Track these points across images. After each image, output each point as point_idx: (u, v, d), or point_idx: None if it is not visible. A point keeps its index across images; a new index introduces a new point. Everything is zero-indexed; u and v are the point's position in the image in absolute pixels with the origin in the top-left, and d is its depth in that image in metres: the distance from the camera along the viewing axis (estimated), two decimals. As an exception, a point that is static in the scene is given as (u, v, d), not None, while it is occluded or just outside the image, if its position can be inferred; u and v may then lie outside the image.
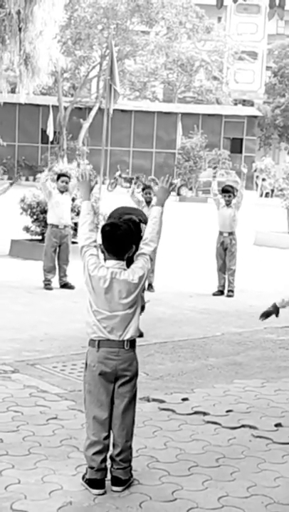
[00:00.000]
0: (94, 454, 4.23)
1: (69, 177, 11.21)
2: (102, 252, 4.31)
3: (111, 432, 4.31)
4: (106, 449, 4.26)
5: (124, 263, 4.29)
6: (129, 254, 4.32)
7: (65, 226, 11.03)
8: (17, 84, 24.19)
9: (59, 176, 11.22)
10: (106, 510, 4.02)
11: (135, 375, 4.30)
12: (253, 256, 15.33)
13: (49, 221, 11.04)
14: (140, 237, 4.44)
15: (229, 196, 11.10)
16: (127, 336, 4.24)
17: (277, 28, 62.42)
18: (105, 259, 4.31)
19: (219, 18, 58.58)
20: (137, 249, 4.34)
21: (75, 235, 10.78)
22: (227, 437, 5.19)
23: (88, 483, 4.24)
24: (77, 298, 10.10)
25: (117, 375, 4.22)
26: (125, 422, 4.29)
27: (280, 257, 15.14)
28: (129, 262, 4.33)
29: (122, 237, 4.24)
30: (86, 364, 4.30)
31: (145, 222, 5.38)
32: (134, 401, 4.35)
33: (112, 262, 4.25)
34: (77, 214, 13.23)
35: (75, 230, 12.63)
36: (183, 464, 4.70)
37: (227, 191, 11.19)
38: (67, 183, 10.98)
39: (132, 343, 4.27)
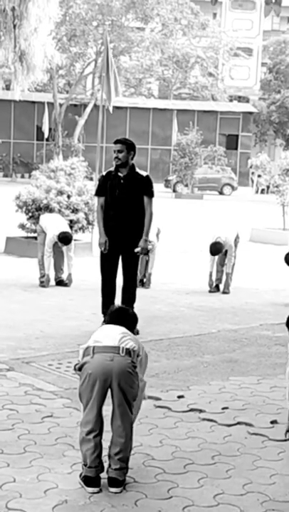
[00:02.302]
0: (86, 450, 4.24)
1: (70, 239, 10.62)
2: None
3: (104, 430, 4.30)
4: (98, 446, 4.26)
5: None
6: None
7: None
8: (12, 81, 24.18)
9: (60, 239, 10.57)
10: (101, 508, 4.01)
11: (131, 379, 4.28)
12: (249, 253, 15.33)
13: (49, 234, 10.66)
14: None
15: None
16: (123, 344, 4.27)
17: (273, 25, 62.46)
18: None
19: (214, 15, 58.59)
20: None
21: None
22: (223, 435, 5.19)
23: (83, 480, 4.24)
24: (73, 295, 10.09)
25: (112, 380, 4.22)
26: (124, 423, 4.28)
27: (276, 254, 15.12)
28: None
29: (126, 322, 4.52)
30: (81, 366, 4.30)
31: None
32: (131, 402, 4.33)
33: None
34: (73, 211, 13.27)
35: (71, 227, 12.65)
36: (178, 461, 4.69)
37: (219, 251, 10.72)
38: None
39: (128, 351, 4.27)
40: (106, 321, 4.61)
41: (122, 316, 4.56)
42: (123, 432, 4.28)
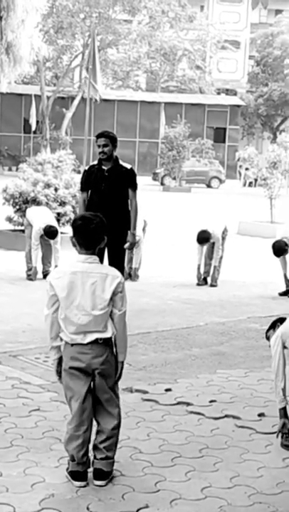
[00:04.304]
0: (74, 448, 4.21)
1: (56, 233, 10.58)
2: (74, 245, 4.27)
3: (93, 424, 4.28)
4: (86, 442, 4.24)
5: (96, 257, 4.25)
6: (101, 246, 4.30)
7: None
8: (-2, 74, 24.02)
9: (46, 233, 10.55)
10: (88, 502, 4.00)
11: (113, 367, 4.26)
12: (237, 245, 15.33)
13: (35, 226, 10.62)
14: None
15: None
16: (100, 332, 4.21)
17: (260, 17, 62.37)
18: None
19: (202, 7, 58.50)
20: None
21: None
22: (210, 428, 5.19)
23: (70, 474, 4.22)
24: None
25: (92, 369, 4.19)
26: (111, 412, 4.26)
27: (264, 247, 15.12)
28: (100, 254, 4.30)
29: (94, 230, 4.20)
30: (61, 359, 4.28)
31: None
32: (116, 391, 4.32)
33: (83, 257, 4.22)
34: (60, 204, 13.23)
35: (58, 220, 12.61)
36: (166, 454, 4.68)
37: (206, 240, 10.73)
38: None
39: (106, 340, 4.23)
40: (78, 243, 4.23)
41: (93, 234, 4.20)
42: (111, 419, 4.26)
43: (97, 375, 4.20)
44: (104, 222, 4.28)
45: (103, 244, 4.30)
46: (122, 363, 4.33)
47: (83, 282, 4.16)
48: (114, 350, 4.29)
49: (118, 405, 4.32)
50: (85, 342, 4.17)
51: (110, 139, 8.00)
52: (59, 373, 4.31)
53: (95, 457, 4.26)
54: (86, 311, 4.15)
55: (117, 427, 4.29)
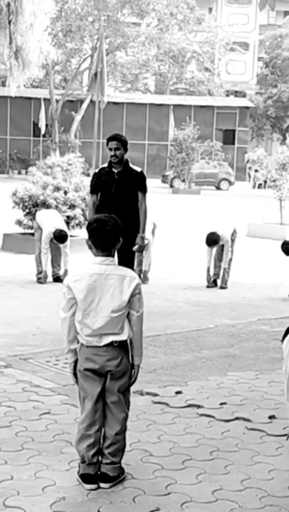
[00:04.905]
0: (85, 447, 4.21)
1: (66, 237, 10.52)
2: (90, 247, 4.27)
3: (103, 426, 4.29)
4: (97, 442, 4.23)
5: (113, 259, 4.27)
6: (116, 248, 4.30)
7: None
8: (7, 78, 24.11)
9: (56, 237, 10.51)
10: (99, 505, 4.00)
11: (126, 370, 4.27)
12: (246, 247, 15.32)
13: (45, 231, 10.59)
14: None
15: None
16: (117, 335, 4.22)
17: (269, 19, 62.36)
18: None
19: (210, 9, 58.49)
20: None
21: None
22: (221, 430, 5.17)
23: (81, 477, 4.23)
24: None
25: (106, 371, 4.19)
26: (116, 416, 4.25)
27: (273, 249, 15.10)
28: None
29: (109, 232, 4.20)
30: (77, 362, 4.28)
31: None
32: (126, 395, 4.32)
33: (100, 259, 4.23)
34: (70, 207, 13.24)
35: (68, 223, 12.63)
36: (177, 457, 4.68)
37: (215, 242, 10.72)
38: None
39: (122, 343, 4.23)
40: (94, 245, 4.24)
41: (108, 236, 4.20)
42: (115, 426, 4.25)
43: (109, 377, 4.21)
44: (119, 224, 4.28)
45: (119, 245, 4.29)
46: (138, 366, 4.33)
47: (101, 284, 4.16)
48: (130, 353, 4.29)
49: (125, 411, 4.30)
50: (101, 344, 4.18)
51: (122, 143, 8.00)
52: (75, 375, 4.31)
53: (101, 461, 4.26)
54: (104, 312, 4.15)
55: (121, 432, 4.27)
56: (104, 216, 4.34)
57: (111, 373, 4.20)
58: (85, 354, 4.21)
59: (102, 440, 4.28)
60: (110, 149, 7.98)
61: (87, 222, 4.34)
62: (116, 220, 4.26)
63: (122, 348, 4.22)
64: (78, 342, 4.26)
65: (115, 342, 4.18)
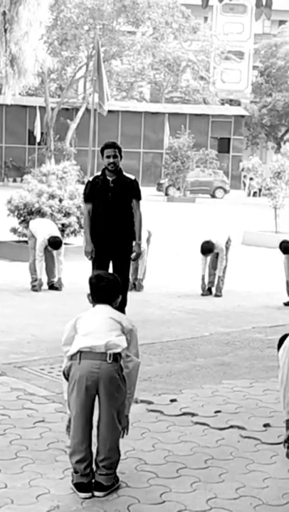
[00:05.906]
0: (76, 462, 4.22)
1: (60, 244, 10.57)
2: (87, 296, 4.52)
3: (95, 439, 4.28)
4: (88, 456, 4.24)
5: (110, 307, 4.46)
6: (116, 304, 4.50)
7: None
8: (3, 86, 24.15)
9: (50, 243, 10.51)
10: (94, 513, 3.99)
11: (118, 390, 4.24)
12: (241, 256, 15.33)
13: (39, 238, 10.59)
14: None
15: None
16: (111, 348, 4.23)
17: (264, 28, 62.63)
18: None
19: (205, 18, 58.67)
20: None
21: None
22: (215, 438, 5.17)
23: (75, 486, 4.22)
24: (66, 300, 10.06)
25: (98, 387, 4.19)
26: (109, 433, 4.24)
27: (268, 257, 15.13)
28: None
29: (108, 288, 4.45)
30: (68, 370, 4.28)
31: None
32: (120, 412, 4.30)
33: (101, 306, 4.44)
34: (65, 215, 13.24)
35: (63, 231, 12.63)
36: (171, 465, 4.67)
37: (210, 250, 10.74)
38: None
39: (116, 356, 4.24)
40: (92, 298, 4.52)
41: (105, 290, 4.49)
42: (108, 443, 4.24)
43: (102, 394, 4.21)
44: (118, 281, 4.53)
45: (117, 302, 4.51)
46: (127, 416, 4.37)
47: (101, 316, 4.38)
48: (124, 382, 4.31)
49: (117, 429, 4.27)
50: (96, 351, 4.20)
51: (118, 150, 8.02)
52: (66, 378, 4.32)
53: (96, 471, 4.25)
54: (101, 333, 4.27)
55: (113, 449, 4.26)
56: (103, 273, 4.73)
57: (103, 392, 4.19)
58: (78, 369, 4.21)
59: (96, 452, 4.27)
60: (108, 157, 7.97)
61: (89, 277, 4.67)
62: (115, 277, 4.55)
63: (115, 362, 4.23)
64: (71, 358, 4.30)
65: (110, 356, 4.20)
